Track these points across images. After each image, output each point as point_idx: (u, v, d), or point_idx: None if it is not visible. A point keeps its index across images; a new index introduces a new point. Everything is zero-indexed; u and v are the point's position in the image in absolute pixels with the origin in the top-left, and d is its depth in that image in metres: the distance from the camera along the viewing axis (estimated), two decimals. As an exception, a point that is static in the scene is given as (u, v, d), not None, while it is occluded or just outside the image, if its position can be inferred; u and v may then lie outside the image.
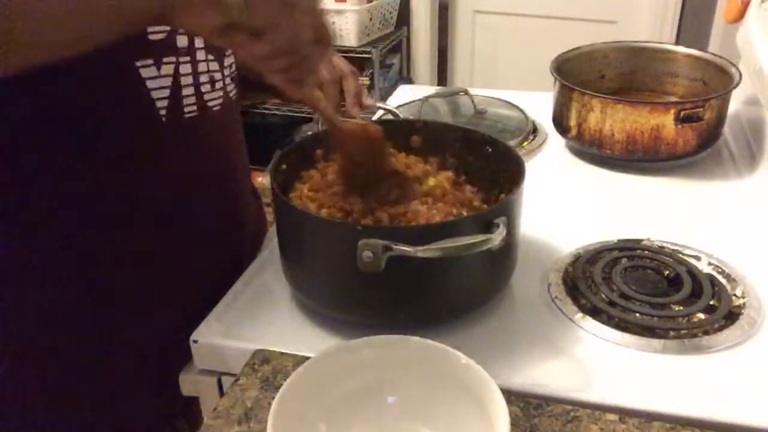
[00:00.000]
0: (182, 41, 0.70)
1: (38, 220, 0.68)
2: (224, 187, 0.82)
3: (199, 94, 0.74)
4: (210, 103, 0.76)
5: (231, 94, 0.81)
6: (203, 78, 0.74)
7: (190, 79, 0.72)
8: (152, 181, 0.72)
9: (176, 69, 0.70)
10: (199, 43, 0.73)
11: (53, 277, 0.70)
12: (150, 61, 0.67)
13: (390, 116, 1.03)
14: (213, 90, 0.76)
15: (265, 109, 2.97)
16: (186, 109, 0.72)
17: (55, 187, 0.68)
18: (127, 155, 0.69)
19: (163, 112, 0.70)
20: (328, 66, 0.87)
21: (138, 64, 0.67)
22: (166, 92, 0.70)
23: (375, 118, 1.14)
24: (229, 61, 0.79)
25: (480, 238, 0.61)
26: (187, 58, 0.71)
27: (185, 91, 0.72)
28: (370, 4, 2.55)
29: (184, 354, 0.70)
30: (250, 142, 0.90)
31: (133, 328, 0.74)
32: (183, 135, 0.73)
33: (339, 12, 2.51)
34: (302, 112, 2.93)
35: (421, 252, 0.59)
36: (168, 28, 0.67)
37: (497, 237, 0.61)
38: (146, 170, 0.71)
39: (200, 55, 0.73)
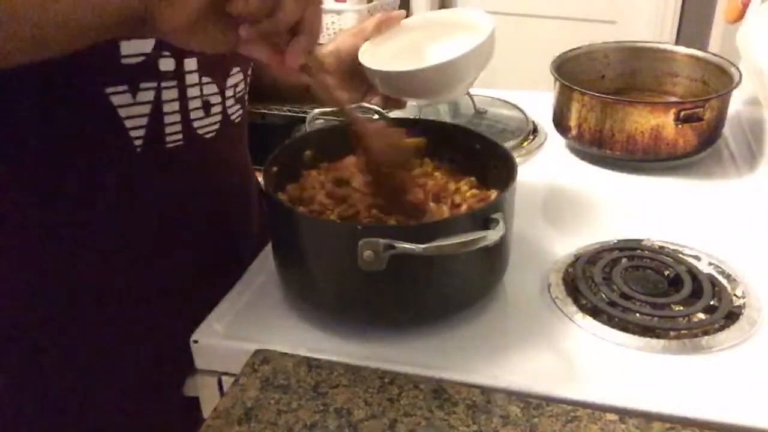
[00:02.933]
0: (166, 64, 0.64)
1: (15, 248, 0.65)
2: (220, 215, 0.77)
3: (186, 122, 0.68)
4: (201, 131, 0.70)
5: (234, 117, 0.75)
6: (194, 104, 0.68)
7: (175, 106, 0.66)
8: (129, 213, 0.67)
9: (157, 95, 0.64)
10: (190, 65, 0.67)
11: (36, 304, 0.67)
12: (123, 87, 0.62)
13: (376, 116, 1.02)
14: (207, 116, 0.70)
15: (266, 109, 2.97)
16: (168, 138, 0.66)
17: (29, 219, 0.64)
18: (99, 186, 0.65)
19: (138, 142, 0.64)
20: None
21: (109, 90, 0.61)
22: (143, 120, 0.64)
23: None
24: (233, 81, 0.73)
25: (480, 234, 0.61)
26: (173, 83, 0.66)
27: (168, 119, 0.66)
28: (370, 4, 2.55)
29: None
30: (250, 142, 0.89)
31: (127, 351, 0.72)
32: (163, 165, 0.67)
33: (339, 12, 2.51)
34: (302, 112, 2.93)
35: (424, 249, 0.59)
36: (147, 50, 0.62)
37: (496, 233, 0.61)
38: (122, 201, 0.66)
39: (191, 78, 0.67)
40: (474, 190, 0.75)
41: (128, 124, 0.63)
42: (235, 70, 0.73)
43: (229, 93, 0.73)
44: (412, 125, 0.81)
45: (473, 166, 0.78)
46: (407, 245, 0.59)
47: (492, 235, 0.61)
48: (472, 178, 0.77)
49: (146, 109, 0.64)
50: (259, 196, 0.89)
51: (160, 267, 0.71)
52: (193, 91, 0.68)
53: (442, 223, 0.66)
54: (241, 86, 0.75)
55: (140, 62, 0.62)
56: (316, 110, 1.08)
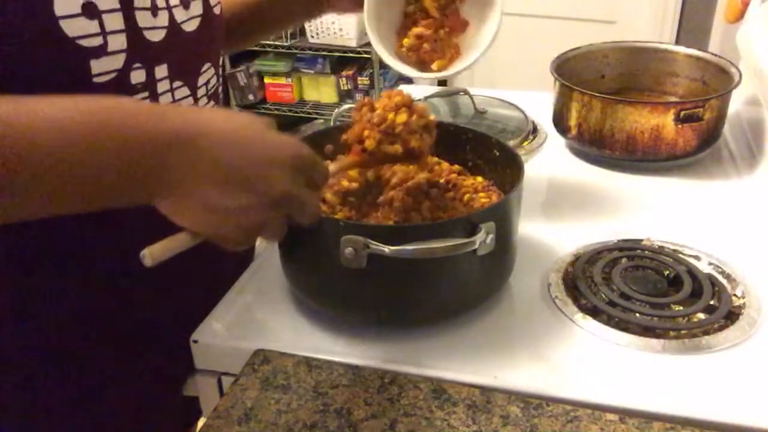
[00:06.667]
0: (138, 76, 0.62)
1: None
2: None
3: None
4: None
5: None
6: None
7: None
8: (118, 224, 0.64)
9: None
10: (161, 72, 0.64)
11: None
12: None
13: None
14: None
15: (265, 109, 2.97)
16: None
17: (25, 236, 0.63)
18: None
19: None
20: None
21: None
22: None
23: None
24: (204, 78, 0.71)
25: (457, 241, 0.60)
26: (144, 94, 0.63)
27: None
28: None
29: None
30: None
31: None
32: None
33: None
34: (302, 113, 2.93)
35: (395, 252, 0.59)
36: (119, 66, 0.59)
37: (476, 241, 0.61)
38: (106, 218, 0.62)
39: (163, 86, 0.65)
40: (485, 195, 0.76)
41: None
42: (206, 66, 0.71)
43: (201, 92, 0.71)
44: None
45: (489, 170, 0.79)
46: (378, 245, 0.59)
47: (471, 244, 0.60)
48: (479, 178, 0.77)
49: None
50: None
51: (152, 270, 0.70)
52: (164, 99, 0.66)
53: (427, 227, 0.66)
54: (213, 81, 0.74)
55: (112, 79, 0.59)
56: (344, 106, 1.08)
